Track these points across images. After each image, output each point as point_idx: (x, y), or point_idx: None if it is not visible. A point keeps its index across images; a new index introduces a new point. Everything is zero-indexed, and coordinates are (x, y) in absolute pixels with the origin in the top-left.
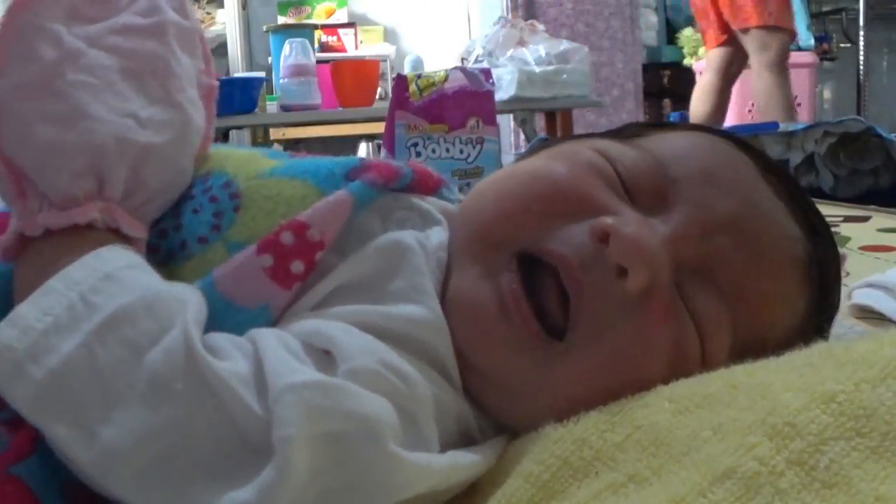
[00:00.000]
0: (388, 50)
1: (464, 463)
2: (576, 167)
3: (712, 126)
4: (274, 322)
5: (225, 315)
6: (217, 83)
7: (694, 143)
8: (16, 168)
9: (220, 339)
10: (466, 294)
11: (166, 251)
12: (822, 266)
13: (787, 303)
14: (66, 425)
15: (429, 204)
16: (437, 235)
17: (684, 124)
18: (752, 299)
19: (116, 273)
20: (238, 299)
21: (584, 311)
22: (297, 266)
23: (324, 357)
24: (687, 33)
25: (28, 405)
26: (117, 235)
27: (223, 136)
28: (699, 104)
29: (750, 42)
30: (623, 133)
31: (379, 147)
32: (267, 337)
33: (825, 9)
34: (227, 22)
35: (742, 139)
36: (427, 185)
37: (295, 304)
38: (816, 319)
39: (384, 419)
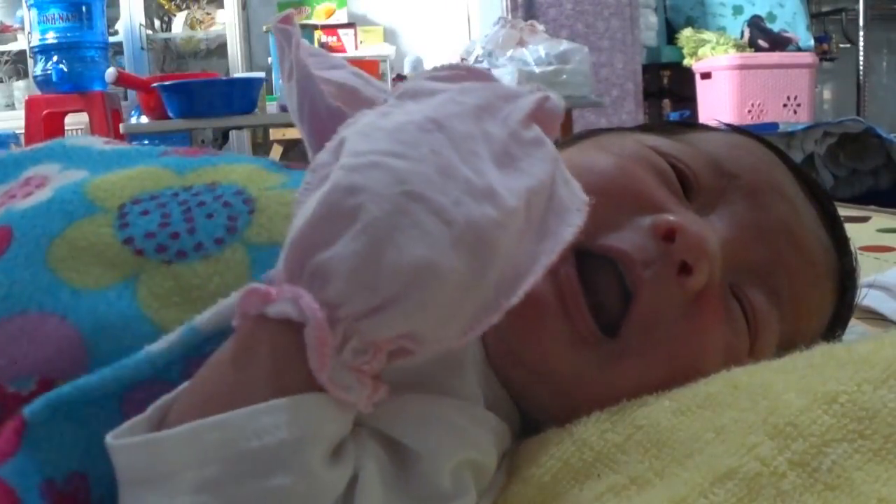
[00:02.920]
0: (387, 50)
1: None
2: (630, 162)
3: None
4: None
5: None
6: None
7: (739, 143)
8: None
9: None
10: None
11: (177, 251)
12: (848, 279)
13: (822, 311)
14: None
15: None
16: None
17: (709, 126)
18: (800, 304)
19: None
20: None
21: (643, 308)
22: None
23: (396, 453)
24: (687, 33)
25: None
26: None
27: (223, 136)
28: None
29: None
30: (664, 130)
31: None
32: (369, 470)
33: (825, 9)
34: (227, 22)
35: (770, 141)
36: None
37: None
38: (831, 327)
39: None
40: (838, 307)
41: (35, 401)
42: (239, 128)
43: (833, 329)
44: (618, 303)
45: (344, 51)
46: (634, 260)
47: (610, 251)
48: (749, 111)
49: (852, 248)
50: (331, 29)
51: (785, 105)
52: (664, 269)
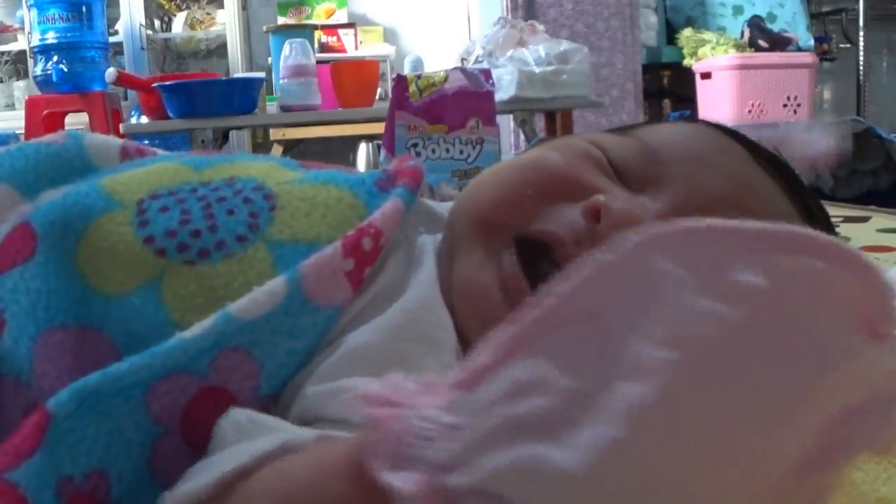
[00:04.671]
0: (387, 50)
1: None
2: (568, 154)
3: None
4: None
5: (300, 313)
6: None
7: (683, 130)
8: None
9: None
10: (468, 277)
11: (199, 250)
12: None
13: None
14: None
15: (442, 208)
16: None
17: (673, 121)
18: None
19: None
20: (315, 298)
21: None
22: (368, 272)
23: None
24: (687, 33)
25: None
26: None
27: (223, 136)
28: None
29: None
30: (619, 129)
31: (379, 147)
32: None
33: (825, 9)
34: (227, 22)
35: (731, 128)
36: (418, 182)
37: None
38: None
39: None
40: None
41: (60, 392)
42: (239, 128)
43: None
44: None
45: (344, 51)
46: (564, 240)
47: (542, 234)
48: (749, 111)
49: (828, 216)
50: (331, 29)
51: (785, 105)
52: (595, 248)
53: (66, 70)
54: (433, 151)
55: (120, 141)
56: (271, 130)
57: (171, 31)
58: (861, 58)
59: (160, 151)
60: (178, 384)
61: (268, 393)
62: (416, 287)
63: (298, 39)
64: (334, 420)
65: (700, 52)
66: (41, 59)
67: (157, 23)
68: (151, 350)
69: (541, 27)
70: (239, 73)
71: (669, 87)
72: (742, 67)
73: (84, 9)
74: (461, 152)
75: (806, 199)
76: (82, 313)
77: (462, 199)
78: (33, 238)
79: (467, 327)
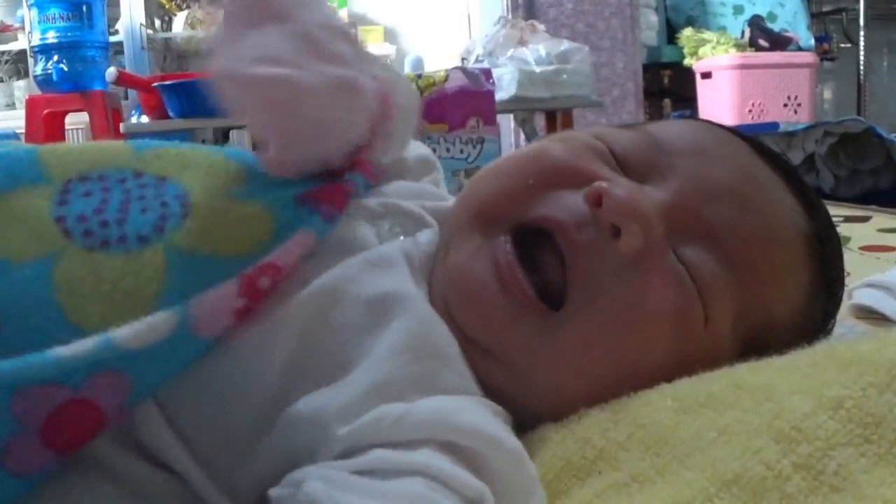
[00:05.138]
0: (388, 50)
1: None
2: (570, 145)
3: None
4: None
5: (183, 344)
6: None
7: (688, 125)
8: None
9: None
10: (463, 267)
11: (102, 240)
12: (823, 241)
13: (791, 274)
14: None
15: (422, 209)
16: (427, 239)
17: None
18: (759, 266)
19: None
20: (201, 331)
21: (580, 273)
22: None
23: None
24: (687, 33)
25: None
26: None
27: (223, 135)
28: None
29: None
30: (624, 125)
31: None
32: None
33: (825, 9)
34: None
35: (733, 128)
36: (373, 175)
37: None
38: (822, 301)
39: None
40: (818, 273)
41: None
42: (239, 127)
43: (819, 300)
44: (561, 277)
45: None
46: (566, 224)
47: (543, 220)
48: (749, 111)
49: (829, 214)
50: None
51: (785, 105)
52: (598, 234)
53: (66, 69)
54: (433, 151)
55: None
56: None
57: (171, 30)
58: (861, 57)
59: None
60: (47, 393)
61: (130, 405)
62: (407, 304)
63: None
64: (396, 443)
65: (700, 51)
66: (41, 58)
67: (157, 22)
68: (26, 357)
69: (541, 27)
70: None
71: (670, 86)
72: (742, 67)
73: (84, 8)
74: (461, 152)
75: (807, 193)
76: None
77: (462, 195)
78: None
79: (464, 321)
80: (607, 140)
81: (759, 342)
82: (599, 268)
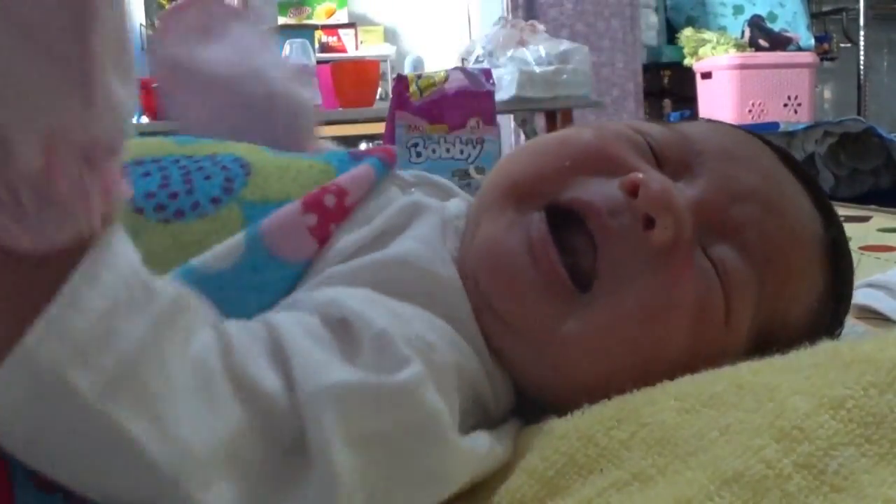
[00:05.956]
0: (388, 50)
1: (499, 450)
2: (608, 133)
3: None
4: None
5: (267, 268)
6: None
7: (719, 127)
8: None
9: (236, 330)
10: (495, 239)
11: (175, 210)
12: (838, 249)
13: (809, 278)
14: (140, 419)
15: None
16: (456, 205)
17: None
18: (780, 265)
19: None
20: (282, 254)
21: (610, 258)
22: (335, 228)
23: (341, 328)
24: (687, 33)
25: (94, 397)
26: None
27: None
28: None
29: None
30: (656, 122)
31: None
32: (286, 326)
33: (825, 9)
34: None
35: (756, 133)
36: (392, 157)
37: (320, 263)
38: (832, 305)
39: (438, 413)
40: (833, 280)
41: None
42: None
43: (830, 305)
44: (592, 261)
45: (344, 51)
46: (600, 209)
47: (578, 203)
48: (749, 111)
49: (841, 224)
50: (331, 29)
51: (785, 105)
52: (631, 222)
53: None
54: (433, 151)
55: None
56: None
57: None
58: (861, 57)
59: None
60: None
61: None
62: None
63: (299, 39)
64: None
65: (700, 51)
66: None
67: (157, 23)
68: None
69: (541, 27)
70: None
71: (670, 86)
72: (742, 67)
73: None
74: (461, 152)
75: (824, 201)
76: None
77: (494, 172)
78: None
79: (489, 289)
80: (645, 132)
81: (770, 340)
82: (629, 256)
